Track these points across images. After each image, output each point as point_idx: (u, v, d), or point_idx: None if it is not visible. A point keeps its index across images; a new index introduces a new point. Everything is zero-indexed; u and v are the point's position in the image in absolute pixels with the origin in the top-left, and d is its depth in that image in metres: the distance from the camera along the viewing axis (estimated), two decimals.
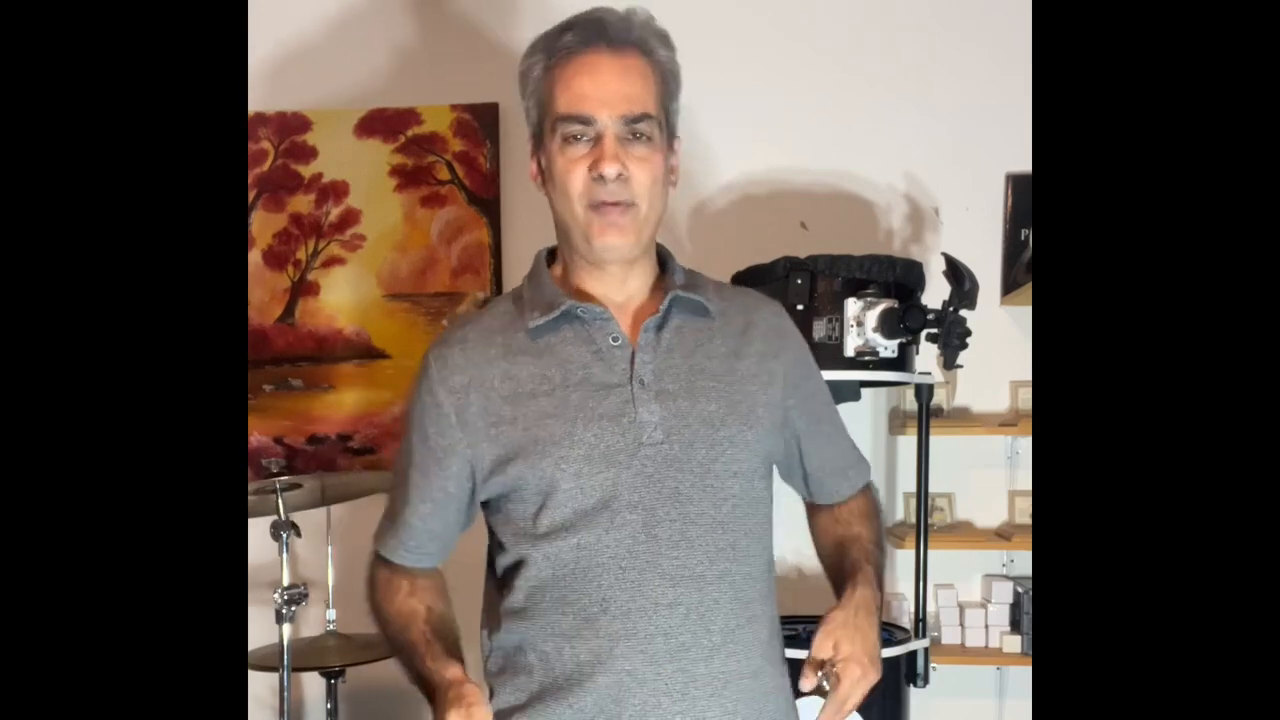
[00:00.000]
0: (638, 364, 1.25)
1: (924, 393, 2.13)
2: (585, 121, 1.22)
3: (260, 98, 2.56)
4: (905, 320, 1.92)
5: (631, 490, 1.21)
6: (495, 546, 1.32)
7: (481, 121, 2.55)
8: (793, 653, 2.04)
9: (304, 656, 2.17)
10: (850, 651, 1.21)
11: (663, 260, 1.35)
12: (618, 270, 1.28)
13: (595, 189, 1.22)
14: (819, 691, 1.20)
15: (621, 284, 1.29)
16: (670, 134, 1.29)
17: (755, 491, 1.28)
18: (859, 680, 1.20)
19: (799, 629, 2.07)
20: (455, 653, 1.25)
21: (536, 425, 1.23)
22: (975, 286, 1.89)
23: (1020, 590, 2.38)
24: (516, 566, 1.26)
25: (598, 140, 1.22)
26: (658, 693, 1.20)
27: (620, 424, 1.22)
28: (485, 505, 1.31)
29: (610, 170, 1.21)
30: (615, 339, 1.26)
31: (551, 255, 1.36)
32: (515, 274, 2.48)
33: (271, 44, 2.54)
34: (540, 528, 1.23)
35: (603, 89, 1.22)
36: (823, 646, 1.21)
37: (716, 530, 1.23)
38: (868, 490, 1.48)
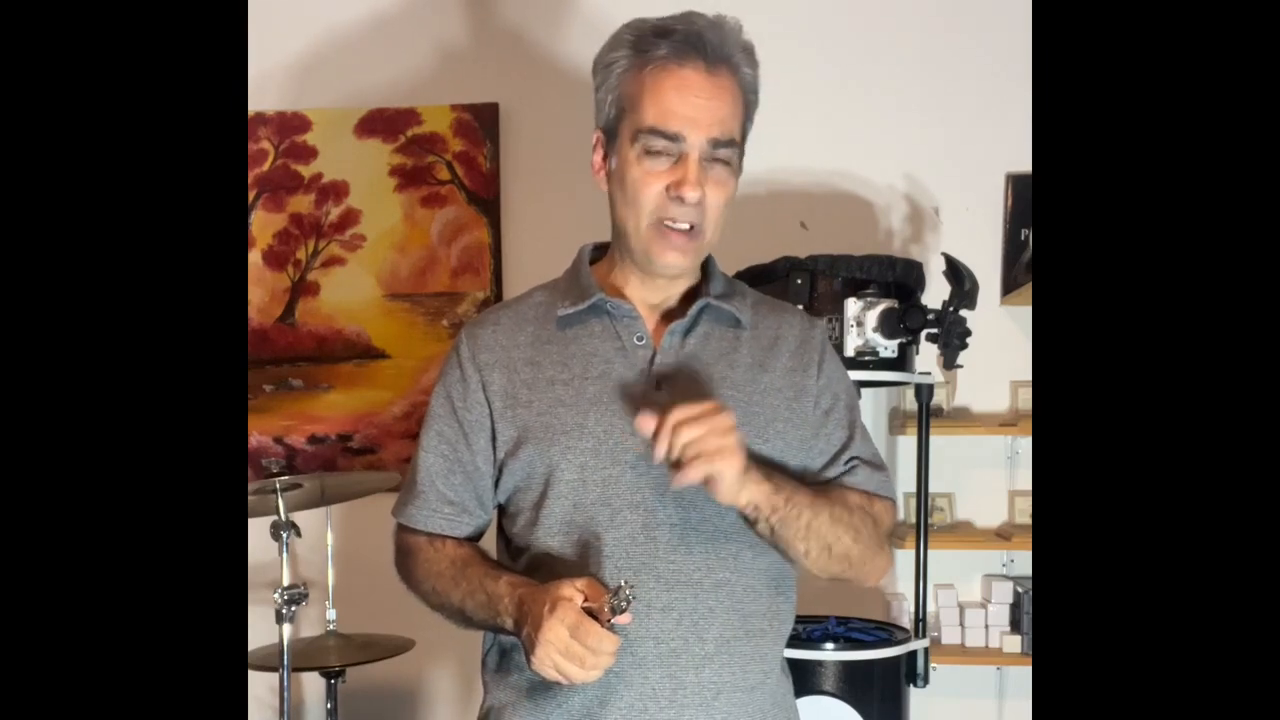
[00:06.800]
0: (657, 365, 1.25)
1: (924, 393, 2.13)
2: (673, 139, 1.19)
3: (260, 98, 2.55)
4: (905, 320, 1.93)
5: (633, 490, 1.21)
6: (503, 547, 1.33)
7: (481, 121, 2.54)
8: (792, 653, 2.04)
9: (304, 656, 2.17)
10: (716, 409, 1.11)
11: (706, 265, 1.34)
12: (665, 279, 1.29)
13: (670, 207, 1.21)
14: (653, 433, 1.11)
15: (663, 289, 1.30)
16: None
17: None
18: (703, 417, 1.09)
19: (798, 629, 2.08)
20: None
21: (549, 412, 1.24)
22: (975, 286, 1.89)
23: (1020, 590, 2.38)
24: (519, 562, 1.27)
25: (680, 159, 1.20)
26: (644, 697, 1.19)
27: (631, 422, 1.19)
28: (500, 509, 1.32)
29: (692, 195, 1.19)
30: (640, 338, 1.27)
31: (595, 250, 1.36)
32: (515, 274, 2.48)
33: (272, 44, 2.54)
34: (542, 519, 1.23)
35: (694, 108, 1.19)
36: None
37: (718, 539, 1.22)
38: (877, 497, 1.32)
